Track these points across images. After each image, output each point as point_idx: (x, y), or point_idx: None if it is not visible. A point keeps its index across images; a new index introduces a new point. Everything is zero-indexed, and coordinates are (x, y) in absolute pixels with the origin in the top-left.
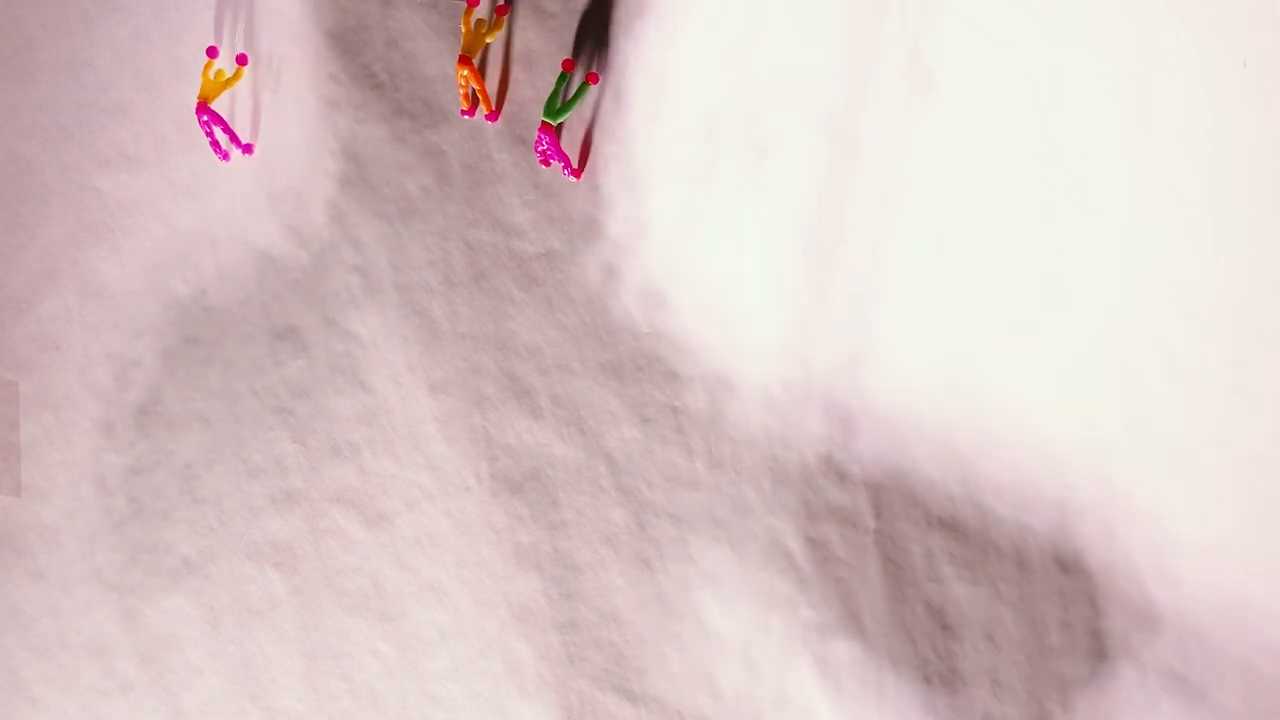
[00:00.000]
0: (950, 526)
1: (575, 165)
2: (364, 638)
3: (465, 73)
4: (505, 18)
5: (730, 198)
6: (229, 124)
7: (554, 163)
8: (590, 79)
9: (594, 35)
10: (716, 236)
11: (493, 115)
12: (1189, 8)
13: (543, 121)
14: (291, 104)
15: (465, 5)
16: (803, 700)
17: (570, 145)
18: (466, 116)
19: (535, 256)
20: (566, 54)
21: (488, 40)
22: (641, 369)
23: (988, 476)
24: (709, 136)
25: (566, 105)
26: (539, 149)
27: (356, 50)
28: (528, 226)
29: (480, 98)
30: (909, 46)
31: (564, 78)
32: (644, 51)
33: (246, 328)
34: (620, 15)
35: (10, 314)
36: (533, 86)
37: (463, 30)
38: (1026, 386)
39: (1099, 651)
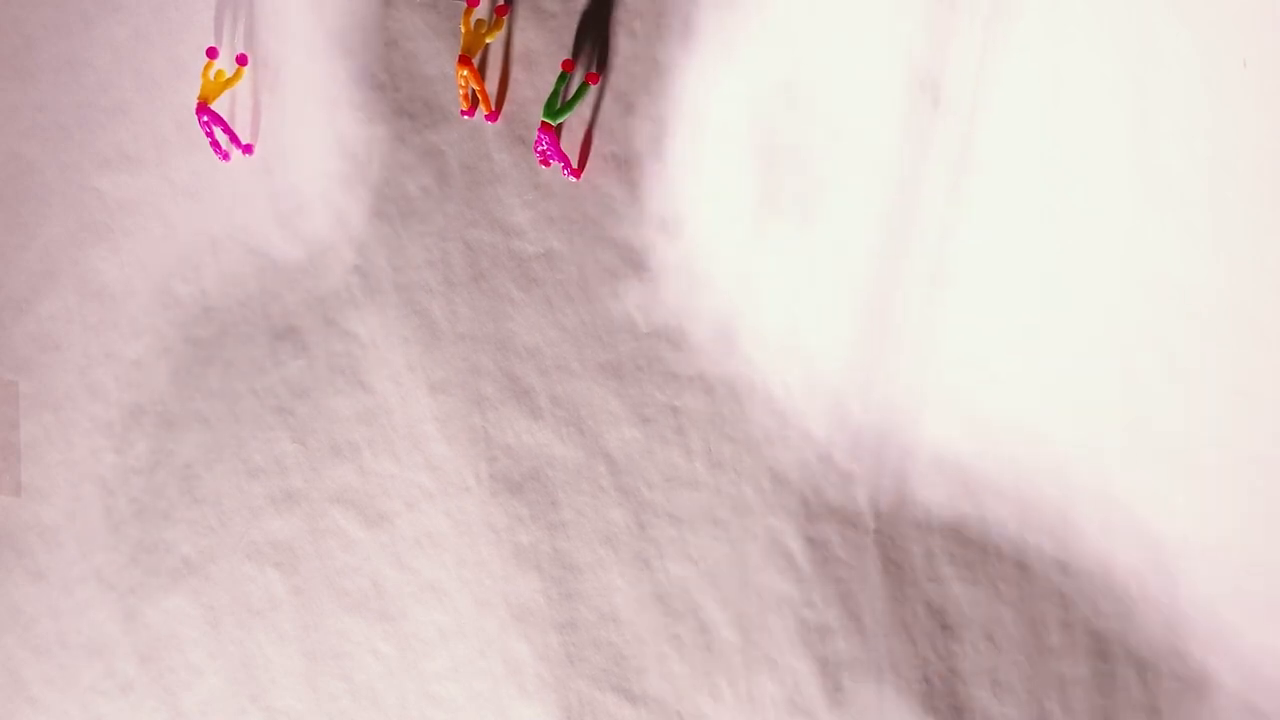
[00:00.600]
0: (950, 526)
1: (575, 165)
2: (364, 638)
3: (465, 73)
4: (505, 18)
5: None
6: (229, 124)
7: (554, 163)
8: (590, 79)
9: (594, 35)
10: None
11: (492, 116)
12: (1189, 8)
13: (542, 122)
14: (291, 104)
15: (465, 5)
16: (803, 700)
17: (570, 145)
18: (466, 117)
19: (535, 256)
20: (566, 54)
21: (487, 40)
22: (641, 369)
23: (988, 476)
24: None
25: (566, 105)
26: (538, 149)
27: (356, 50)
28: (527, 226)
29: (480, 98)
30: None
31: (564, 78)
32: (642, 49)
33: (246, 328)
34: (621, 15)
35: (10, 314)
36: (533, 86)
37: (462, 30)
38: (1026, 387)
39: (1099, 652)
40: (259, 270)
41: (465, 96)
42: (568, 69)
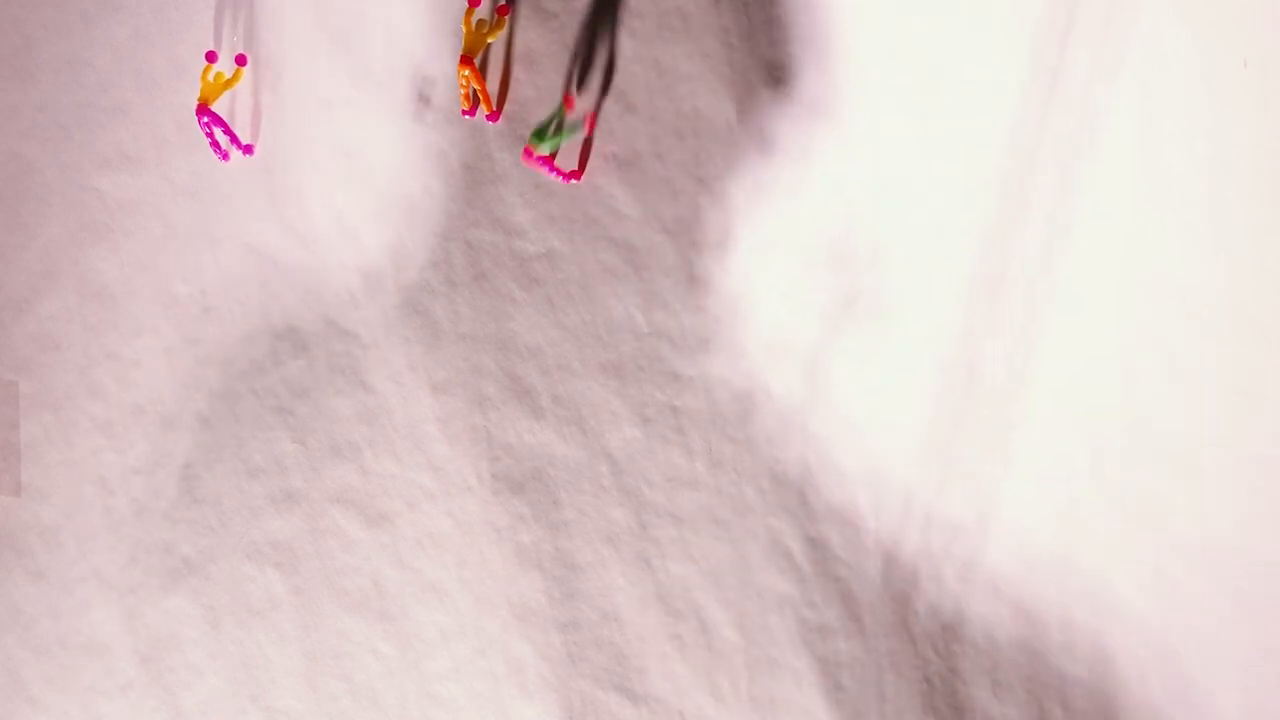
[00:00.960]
0: (950, 526)
1: (572, 170)
2: (364, 638)
3: (466, 73)
4: (506, 18)
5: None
6: (229, 124)
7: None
8: (589, 122)
9: (595, 35)
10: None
11: (494, 115)
12: (1189, 8)
13: (526, 147)
14: (291, 104)
15: (467, 5)
16: (803, 700)
17: (571, 146)
18: (467, 117)
19: (536, 256)
20: (566, 55)
21: (489, 41)
22: (642, 369)
23: (988, 476)
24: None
25: (557, 136)
26: (527, 159)
27: (356, 50)
28: (528, 226)
29: (481, 98)
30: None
31: (562, 113)
32: (642, 49)
33: (246, 328)
34: (622, 15)
35: (10, 314)
36: (534, 86)
37: (464, 31)
38: (1026, 387)
39: (1100, 652)
40: (259, 270)
41: (466, 96)
42: (569, 106)
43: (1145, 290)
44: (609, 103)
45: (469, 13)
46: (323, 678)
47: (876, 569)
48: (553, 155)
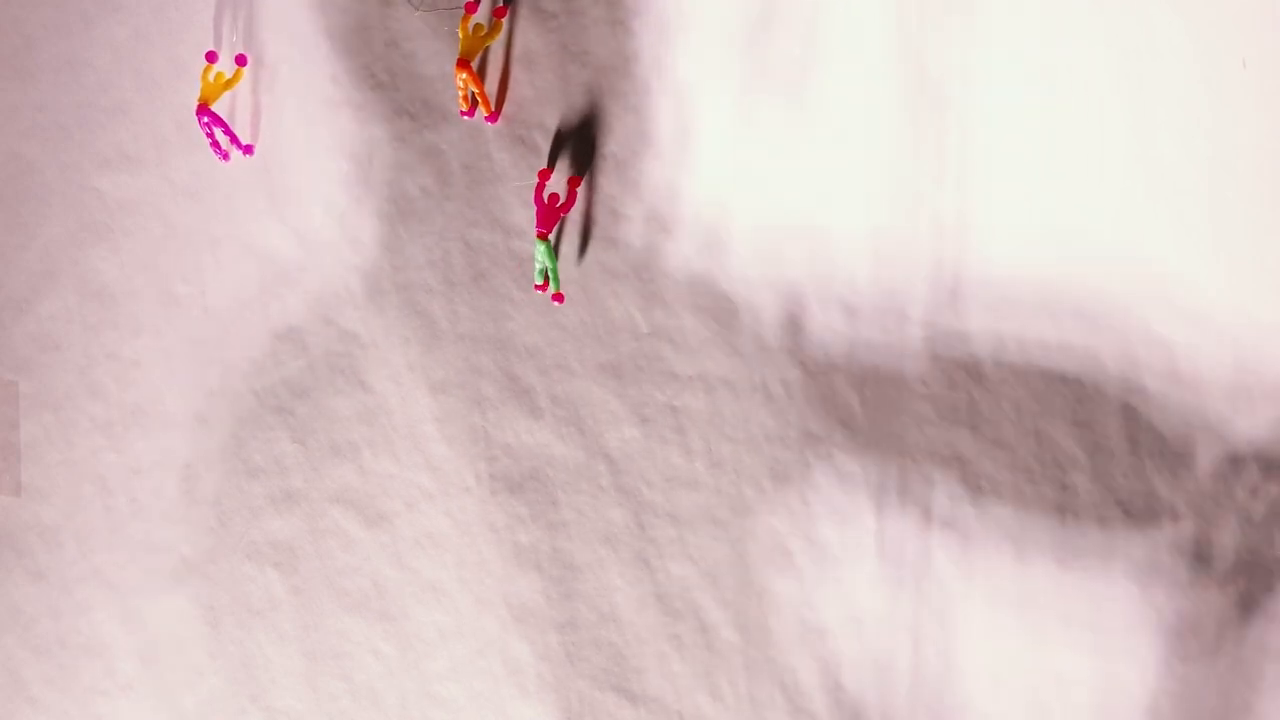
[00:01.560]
0: (950, 525)
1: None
2: (364, 638)
3: (464, 76)
4: (503, 20)
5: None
6: (229, 125)
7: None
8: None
9: (594, 35)
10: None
11: (493, 117)
12: (1189, 7)
13: (535, 285)
14: (291, 104)
15: (464, 11)
16: (803, 700)
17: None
18: (466, 117)
19: (535, 256)
20: (566, 54)
21: (487, 44)
22: (641, 369)
23: (988, 477)
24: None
25: (552, 262)
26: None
27: (356, 50)
28: (527, 226)
29: (480, 100)
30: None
31: (545, 246)
32: (643, 48)
33: (246, 328)
34: (621, 15)
35: (10, 314)
36: (533, 86)
37: (460, 35)
38: (1027, 386)
39: (1097, 651)
40: (259, 270)
41: (465, 98)
42: (542, 238)
43: (1145, 290)
44: (609, 102)
45: (466, 18)
46: (323, 678)
47: (876, 569)
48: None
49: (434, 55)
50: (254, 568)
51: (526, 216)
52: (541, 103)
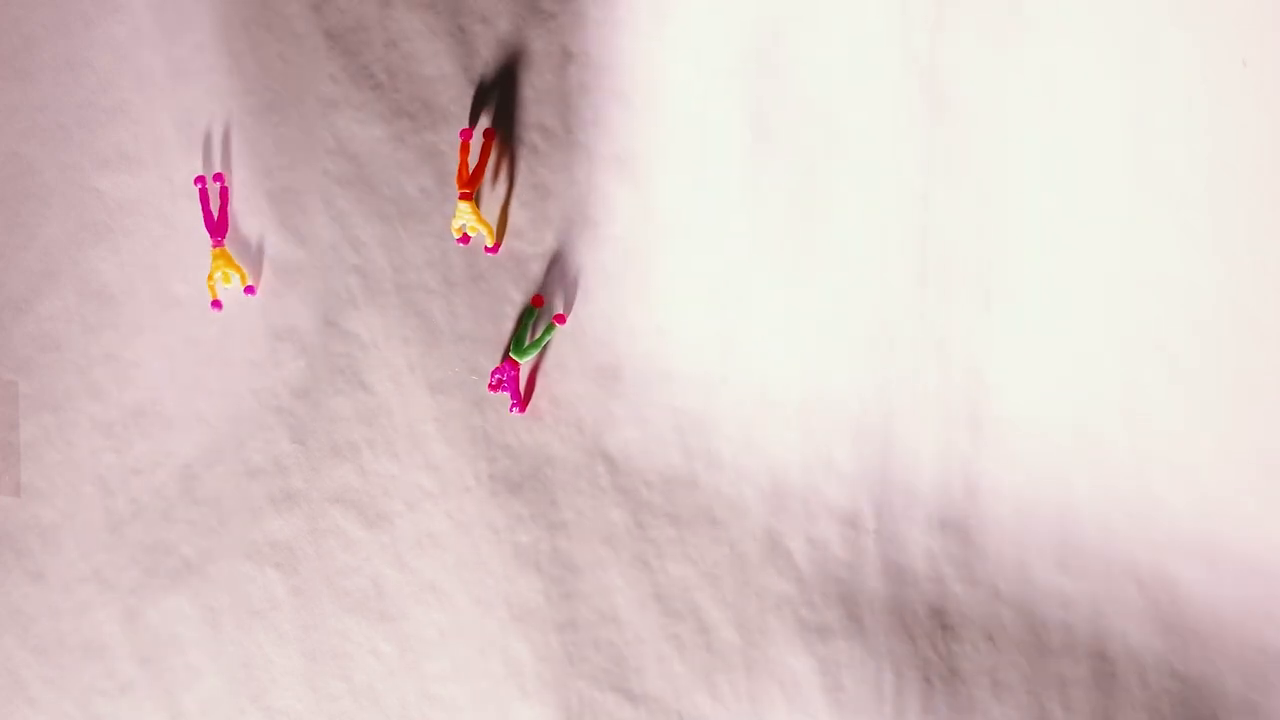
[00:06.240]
0: (950, 527)
1: (523, 401)
2: (364, 638)
3: (466, 207)
4: (493, 141)
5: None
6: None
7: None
8: (557, 320)
9: (594, 35)
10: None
11: (493, 249)
12: (1189, 8)
13: (508, 358)
14: (291, 104)
15: (460, 141)
16: (803, 700)
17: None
18: (461, 244)
19: (534, 256)
20: (566, 55)
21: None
22: (640, 369)
23: (988, 476)
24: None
25: (534, 344)
26: (495, 378)
27: (356, 50)
28: (526, 226)
29: (485, 232)
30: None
31: (531, 313)
32: (643, 47)
33: (246, 328)
34: (621, 15)
35: (10, 314)
36: (531, 87)
37: (459, 162)
38: (1026, 387)
39: (1099, 652)
40: (259, 270)
41: (458, 229)
42: (537, 304)
43: (1145, 290)
44: (609, 102)
45: (463, 147)
46: (323, 678)
47: (876, 569)
48: (527, 367)
49: (433, 56)
50: (254, 568)
51: (526, 217)
52: (539, 103)
